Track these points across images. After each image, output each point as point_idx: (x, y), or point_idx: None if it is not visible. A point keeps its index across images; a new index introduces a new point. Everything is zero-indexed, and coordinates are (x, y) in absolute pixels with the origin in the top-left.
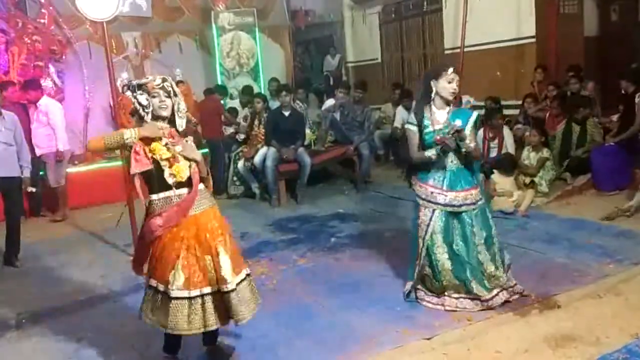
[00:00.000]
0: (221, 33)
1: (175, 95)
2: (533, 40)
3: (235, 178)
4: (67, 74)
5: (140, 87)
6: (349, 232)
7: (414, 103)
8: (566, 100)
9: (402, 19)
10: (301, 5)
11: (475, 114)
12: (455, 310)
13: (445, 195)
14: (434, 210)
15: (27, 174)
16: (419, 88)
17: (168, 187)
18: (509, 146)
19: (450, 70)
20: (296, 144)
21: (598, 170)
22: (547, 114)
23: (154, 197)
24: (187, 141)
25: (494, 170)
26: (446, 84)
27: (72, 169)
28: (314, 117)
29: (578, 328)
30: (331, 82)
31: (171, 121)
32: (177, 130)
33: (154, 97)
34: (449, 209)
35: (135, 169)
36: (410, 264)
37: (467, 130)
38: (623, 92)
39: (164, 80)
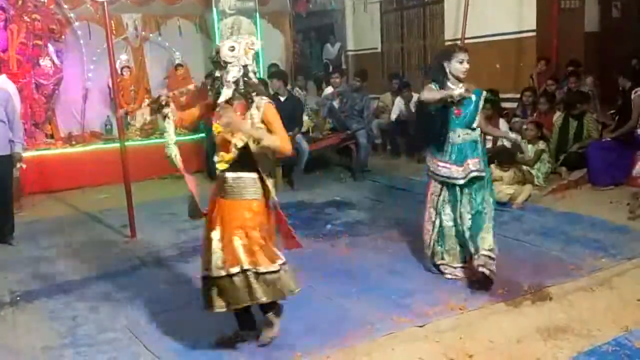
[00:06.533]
0: (222, 17)
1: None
2: (533, 34)
3: None
4: (66, 54)
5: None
6: (345, 220)
7: (414, 95)
8: (556, 97)
9: (403, 9)
10: None
11: (484, 92)
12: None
13: (450, 169)
14: (441, 183)
15: (18, 149)
16: (432, 70)
17: None
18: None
19: (461, 51)
20: (293, 130)
21: (594, 165)
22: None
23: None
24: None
25: (495, 161)
26: (458, 65)
27: (69, 150)
28: (313, 105)
29: (570, 320)
30: (330, 71)
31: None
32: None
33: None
34: (452, 181)
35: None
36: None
37: (480, 105)
38: (620, 88)
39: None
